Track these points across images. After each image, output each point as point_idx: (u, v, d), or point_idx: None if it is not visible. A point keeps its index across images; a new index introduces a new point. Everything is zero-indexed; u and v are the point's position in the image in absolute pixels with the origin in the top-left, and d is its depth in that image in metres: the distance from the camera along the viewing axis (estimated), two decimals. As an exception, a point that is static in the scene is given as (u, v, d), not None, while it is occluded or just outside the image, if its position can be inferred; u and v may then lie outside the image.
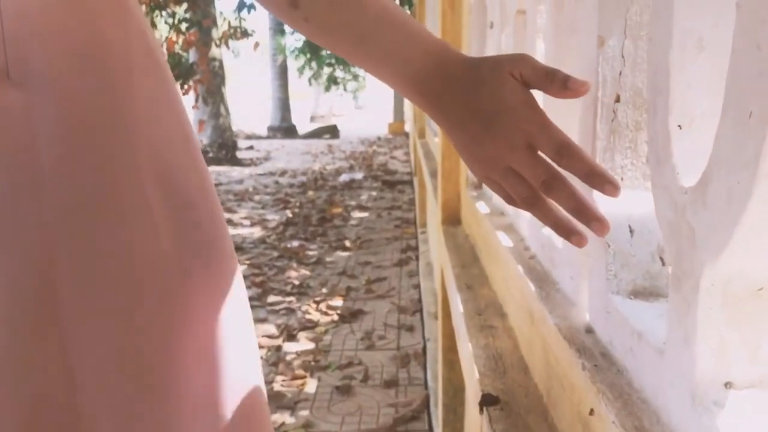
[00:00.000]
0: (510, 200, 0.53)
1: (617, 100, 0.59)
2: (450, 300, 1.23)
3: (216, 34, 8.62)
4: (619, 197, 0.48)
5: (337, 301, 3.19)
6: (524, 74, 0.50)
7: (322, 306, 3.10)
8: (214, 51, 8.84)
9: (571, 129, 0.64)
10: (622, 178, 0.59)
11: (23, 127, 0.44)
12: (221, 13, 8.51)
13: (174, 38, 8.02)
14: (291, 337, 2.76)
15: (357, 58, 0.56)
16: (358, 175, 7.68)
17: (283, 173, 8.13)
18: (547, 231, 0.83)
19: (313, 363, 2.50)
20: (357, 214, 5.44)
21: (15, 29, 0.44)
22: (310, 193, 6.52)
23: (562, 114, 0.72)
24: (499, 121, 0.50)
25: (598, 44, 0.58)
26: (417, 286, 3.38)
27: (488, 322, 0.93)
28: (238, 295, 0.55)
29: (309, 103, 21.28)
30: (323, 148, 11.26)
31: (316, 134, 14.17)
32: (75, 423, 0.45)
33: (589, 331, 0.61)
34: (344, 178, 7.53)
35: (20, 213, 0.44)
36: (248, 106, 23.34)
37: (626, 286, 0.56)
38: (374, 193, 6.52)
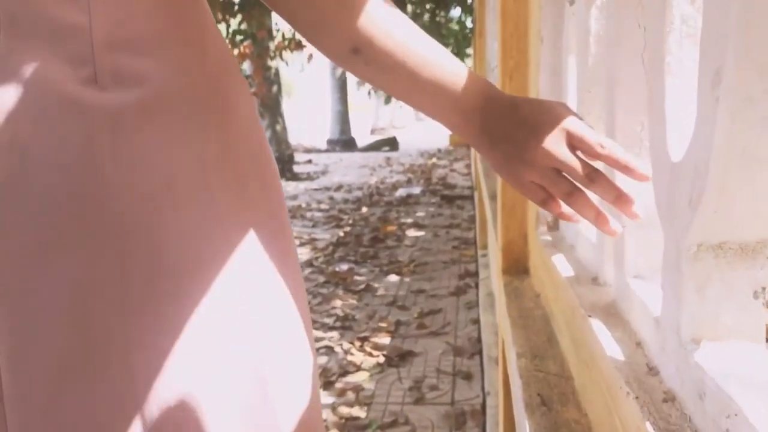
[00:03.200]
0: (550, 204, 0.58)
1: None
2: (516, 422, 0.82)
3: (272, 46, 8.45)
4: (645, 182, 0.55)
5: (385, 339, 2.81)
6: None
7: (367, 345, 2.72)
8: (270, 63, 8.67)
9: None
10: None
11: (107, 126, 0.46)
12: (276, 24, 8.31)
13: (229, 51, 7.89)
14: (328, 385, 2.39)
15: (412, 95, 0.59)
16: (416, 190, 7.30)
17: (338, 188, 7.84)
18: (685, 336, 0.44)
19: (350, 420, 2.13)
20: (412, 233, 5.06)
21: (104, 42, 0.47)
22: (364, 209, 6.18)
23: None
24: (545, 123, 0.56)
25: None
26: (476, 321, 2.96)
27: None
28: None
29: (369, 116, 21.10)
30: (381, 161, 10.95)
31: (374, 147, 13.90)
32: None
33: None
34: (401, 192, 7.17)
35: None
36: (309, 119, 23.40)
37: None
38: (432, 209, 6.12)
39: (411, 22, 0.58)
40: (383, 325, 2.97)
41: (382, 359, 2.59)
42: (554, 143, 0.55)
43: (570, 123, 0.55)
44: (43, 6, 0.46)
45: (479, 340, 2.70)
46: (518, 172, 0.58)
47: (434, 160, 10.89)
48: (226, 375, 0.49)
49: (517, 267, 1.15)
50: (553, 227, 1.02)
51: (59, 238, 0.46)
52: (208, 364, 0.49)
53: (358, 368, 2.52)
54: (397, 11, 0.57)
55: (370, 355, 2.63)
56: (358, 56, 0.56)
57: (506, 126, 0.58)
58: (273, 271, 0.54)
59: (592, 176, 0.55)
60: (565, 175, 0.56)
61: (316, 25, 0.56)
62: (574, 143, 0.55)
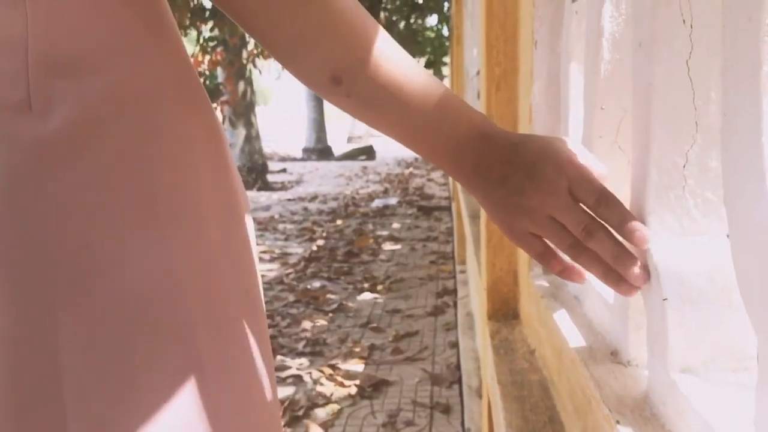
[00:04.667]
0: (548, 259, 0.52)
1: None
2: None
3: (245, 53, 8.24)
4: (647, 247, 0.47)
5: (357, 365, 2.62)
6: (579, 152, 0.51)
7: (338, 374, 2.53)
8: (244, 70, 8.45)
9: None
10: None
11: (37, 160, 0.41)
12: (249, 30, 8.10)
13: (200, 58, 7.66)
14: (295, 420, 2.20)
15: (398, 131, 0.53)
16: (392, 201, 7.13)
17: (313, 198, 7.64)
18: None
19: (319, 460, 1.93)
20: (388, 247, 4.88)
21: (41, 61, 0.41)
22: (339, 222, 5.99)
23: None
24: (543, 167, 0.50)
25: None
26: (455, 345, 2.78)
27: None
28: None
29: (346, 124, 20.90)
30: (358, 171, 10.78)
31: (351, 156, 13.73)
32: None
33: None
34: (377, 203, 6.99)
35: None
36: (285, 127, 23.16)
37: None
38: (408, 221, 5.96)
39: (401, 49, 0.51)
40: (356, 349, 2.78)
41: (354, 390, 2.40)
42: (553, 190, 0.50)
43: (571, 167, 0.50)
44: None
45: (458, 366, 2.53)
46: (513, 220, 0.52)
47: (411, 169, 10.75)
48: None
49: (505, 311, 0.98)
50: (550, 269, 0.85)
51: None
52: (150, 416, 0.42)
53: (328, 400, 2.33)
54: (388, 37, 0.50)
55: (342, 385, 2.43)
56: (339, 87, 0.50)
57: (501, 168, 0.52)
58: (232, 325, 0.47)
59: (590, 229, 0.49)
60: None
61: (292, 48, 0.49)
62: (573, 191, 0.50)
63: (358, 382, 2.45)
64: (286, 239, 5.29)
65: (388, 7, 10.65)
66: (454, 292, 3.55)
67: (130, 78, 0.43)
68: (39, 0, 0.40)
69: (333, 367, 2.60)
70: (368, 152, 13.80)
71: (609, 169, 0.67)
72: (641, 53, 0.48)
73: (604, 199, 0.49)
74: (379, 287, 3.74)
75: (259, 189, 8.58)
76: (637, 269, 0.48)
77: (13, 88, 0.40)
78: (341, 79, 0.50)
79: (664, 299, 0.45)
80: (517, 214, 0.51)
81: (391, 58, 0.50)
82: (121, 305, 0.42)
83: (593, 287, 0.67)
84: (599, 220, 0.49)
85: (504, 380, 0.77)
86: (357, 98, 0.51)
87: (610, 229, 0.49)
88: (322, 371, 2.56)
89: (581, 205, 0.49)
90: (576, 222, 0.49)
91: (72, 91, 0.41)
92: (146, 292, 0.42)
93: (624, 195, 0.69)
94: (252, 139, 8.88)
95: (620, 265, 0.48)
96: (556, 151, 0.51)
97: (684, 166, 0.47)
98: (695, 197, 0.47)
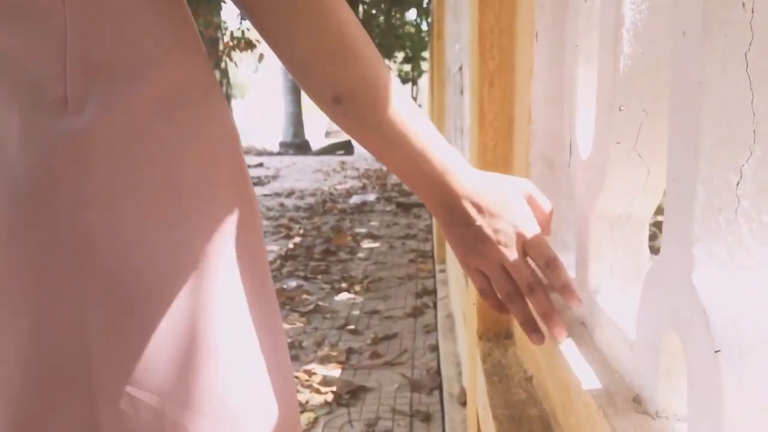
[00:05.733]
0: (487, 295, 0.61)
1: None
2: None
3: (221, 45, 8.05)
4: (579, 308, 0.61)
5: (334, 371, 2.52)
6: (533, 196, 0.61)
7: (315, 379, 2.43)
8: (219, 63, 8.26)
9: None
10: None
11: (71, 154, 0.43)
12: (224, 22, 7.92)
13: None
14: (268, 430, 2.09)
15: (385, 155, 0.58)
16: (371, 197, 7.03)
17: (290, 194, 7.52)
18: None
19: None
20: (366, 245, 4.78)
21: (78, 63, 0.44)
22: (316, 219, 5.88)
23: None
24: (505, 221, 0.58)
25: None
26: (435, 348, 2.70)
27: None
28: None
29: (324, 118, 20.70)
30: (336, 166, 10.67)
31: (329, 150, 13.60)
32: None
33: None
34: (355, 200, 6.89)
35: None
36: (262, 121, 22.88)
37: None
38: (387, 218, 5.87)
39: (399, 83, 0.56)
40: (333, 353, 2.68)
41: (330, 396, 2.30)
42: (509, 246, 0.58)
43: (527, 227, 0.58)
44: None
45: (438, 372, 2.45)
46: (468, 256, 0.60)
47: (389, 164, 10.63)
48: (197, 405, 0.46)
49: (497, 330, 0.89)
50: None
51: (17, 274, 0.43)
52: (175, 391, 0.46)
53: (303, 408, 2.23)
54: (389, 71, 0.55)
55: (318, 392, 2.34)
56: (338, 106, 0.55)
57: (465, 210, 0.58)
58: (245, 306, 0.50)
59: (533, 287, 0.58)
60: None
61: (300, 66, 0.53)
62: (527, 249, 0.58)
63: (334, 388, 2.35)
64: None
65: (367, 0, 10.53)
66: (434, 292, 3.47)
67: (160, 81, 0.46)
68: (77, 6, 0.43)
69: (309, 372, 2.50)
70: (346, 147, 13.69)
71: (625, 180, 0.58)
72: (685, 44, 0.39)
73: (552, 263, 0.58)
74: (357, 287, 3.65)
75: (235, 184, 8.43)
76: (560, 328, 0.58)
77: (52, 87, 0.43)
78: (342, 100, 0.54)
79: (716, 351, 0.36)
80: (473, 253, 0.59)
81: (388, 91, 0.55)
82: (147, 287, 0.44)
83: (606, 315, 0.59)
84: (541, 278, 0.59)
85: (500, 415, 0.69)
86: (353, 120, 0.55)
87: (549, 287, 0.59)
88: (297, 377, 2.46)
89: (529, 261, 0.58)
90: (522, 278, 0.58)
91: (105, 92, 0.44)
92: (169, 276, 0.45)
93: (642, 210, 0.60)
94: (228, 133, 8.71)
95: (548, 322, 0.58)
96: (515, 207, 0.58)
97: (737, 184, 0.38)
98: (750, 222, 0.39)
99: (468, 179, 0.58)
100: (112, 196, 0.44)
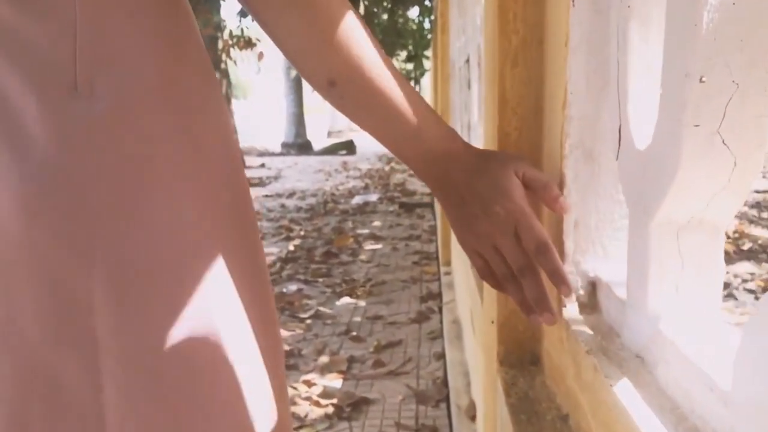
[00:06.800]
0: (485, 274, 0.62)
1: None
2: None
3: (220, 44, 7.92)
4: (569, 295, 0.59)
5: (335, 381, 2.39)
6: (526, 175, 0.60)
7: (314, 391, 2.30)
8: (219, 62, 8.13)
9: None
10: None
11: (84, 132, 0.47)
12: (223, 21, 7.79)
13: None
14: (264, 447, 1.96)
15: (382, 134, 0.60)
16: (373, 197, 6.90)
17: (291, 195, 7.39)
18: None
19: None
20: (369, 246, 4.65)
21: (87, 49, 0.47)
22: (317, 220, 5.74)
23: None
24: (497, 204, 0.58)
25: None
26: (441, 357, 2.57)
27: None
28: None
29: (326, 118, 20.56)
30: (338, 166, 10.53)
31: (331, 150, 13.46)
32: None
33: None
34: (357, 200, 6.76)
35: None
36: (264, 121, 22.78)
37: None
38: (390, 219, 5.73)
39: (392, 63, 0.57)
40: (334, 362, 2.55)
41: (331, 410, 2.17)
42: (502, 229, 0.58)
43: (519, 209, 0.57)
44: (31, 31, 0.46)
45: (445, 382, 2.31)
46: (465, 236, 0.61)
47: (392, 164, 10.51)
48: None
49: (520, 354, 0.75)
50: (591, 306, 0.63)
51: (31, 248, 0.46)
52: (177, 371, 0.49)
53: (302, 423, 2.09)
54: (382, 53, 0.57)
55: (318, 404, 2.20)
56: (334, 89, 0.57)
57: (461, 192, 0.59)
58: (234, 287, 0.53)
59: (524, 272, 0.58)
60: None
61: (298, 53, 0.56)
62: (519, 232, 0.58)
63: (335, 400, 2.22)
64: (261, 239, 5.04)
65: (369, -2, 10.39)
66: (439, 296, 3.33)
67: (161, 73, 0.50)
68: None
69: (308, 383, 2.36)
70: (348, 147, 13.55)
71: (702, 175, 0.45)
72: None
73: (542, 248, 0.57)
74: (359, 291, 3.51)
75: (236, 185, 8.30)
76: (549, 314, 0.58)
77: (63, 71, 0.46)
78: (336, 83, 0.56)
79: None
80: (468, 233, 0.60)
81: (381, 71, 0.56)
82: (152, 251, 0.48)
83: (676, 349, 0.45)
84: (533, 262, 0.58)
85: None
86: (348, 100, 0.58)
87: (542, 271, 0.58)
88: (296, 388, 2.32)
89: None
90: (514, 260, 0.58)
91: (113, 78, 0.47)
92: (170, 256, 0.49)
93: (719, 213, 0.47)
94: (228, 133, 8.59)
95: (539, 306, 0.58)
96: (507, 188, 0.58)
97: None
98: None
99: (464, 158, 0.59)
100: (119, 172, 0.47)
